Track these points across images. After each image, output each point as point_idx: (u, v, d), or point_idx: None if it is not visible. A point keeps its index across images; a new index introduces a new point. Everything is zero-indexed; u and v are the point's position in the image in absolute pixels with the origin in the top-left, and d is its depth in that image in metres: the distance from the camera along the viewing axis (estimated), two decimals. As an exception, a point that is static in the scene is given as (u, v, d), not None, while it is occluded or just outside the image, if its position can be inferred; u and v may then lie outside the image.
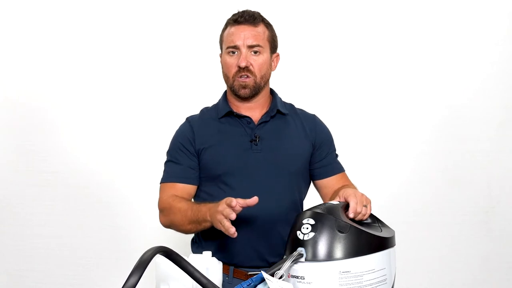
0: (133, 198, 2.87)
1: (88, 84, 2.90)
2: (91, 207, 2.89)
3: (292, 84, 2.63)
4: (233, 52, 1.79)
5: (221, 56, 1.87)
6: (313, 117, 1.93)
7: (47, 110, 2.91)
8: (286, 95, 1.96)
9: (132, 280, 1.03)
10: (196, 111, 1.93)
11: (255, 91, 1.81)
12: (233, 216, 1.50)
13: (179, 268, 1.17)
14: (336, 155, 1.94)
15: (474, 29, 2.87)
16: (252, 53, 1.78)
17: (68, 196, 2.89)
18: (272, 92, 1.91)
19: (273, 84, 1.92)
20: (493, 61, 2.87)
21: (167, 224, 1.82)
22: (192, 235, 1.90)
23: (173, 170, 1.83)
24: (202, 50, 2.77)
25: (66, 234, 2.89)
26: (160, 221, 1.84)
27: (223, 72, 1.85)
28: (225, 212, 1.51)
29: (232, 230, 1.50)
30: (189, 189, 1.82)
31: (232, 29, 1.81)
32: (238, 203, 1.51)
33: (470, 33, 2.87)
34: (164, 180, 1.85)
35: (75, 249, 2.90)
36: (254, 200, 1.52)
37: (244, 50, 1.78)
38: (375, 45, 2.88)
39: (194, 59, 2.85)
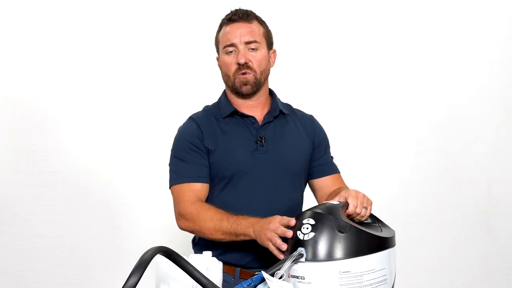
0: (133, 198, 2.86)
1: (88, 84, 2.90)
2: (91, 207, 2.89)
3: (290, 84, 2.62)
4: (231, 51, 1.78)
5: (218, 59, 1.86)
6: (311, 117, 1.94)
7: (47, 110, 2.91)
8: (283, 95, 1.95)
9: (132, 280, 1.03)
10: (196, 111, 1.90)
11: (256, 87, 1.80)
12: (290, 233, 1.42)
13: (179, 268, 1.17)
14: (332, 157, 1.94)
15: (474, 29, 2.87)
16: (250, 49, 1.78)
17: (68, 196, 2.89)
18: (271, 92, 1.91)
19: (270, 84, 1.91)
20: (493, 61, 2.87)
21: (191, 230, 1.75)
22: (192, 236, 1.88)
23: (185, 170, 1.77)
24: (202, 51, 2.73)
25: (66, 234, 2.89)
26: (180, 226, 1.76)
27: (222, 73, 1.84)
28: (280, 231, 1.47)
29: (284, 247, 1.44)
30: (206, 188, 1.77)
31: (227, 28, 1.80)
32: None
33: (470, 33, 2.87)
34: (177, 181, 1.77)
35: (75, 249, 2.89)
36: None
37: (241, 47, 1.77)
38: (374, 45, 2.87)
39: (194, 60, 2.84)
